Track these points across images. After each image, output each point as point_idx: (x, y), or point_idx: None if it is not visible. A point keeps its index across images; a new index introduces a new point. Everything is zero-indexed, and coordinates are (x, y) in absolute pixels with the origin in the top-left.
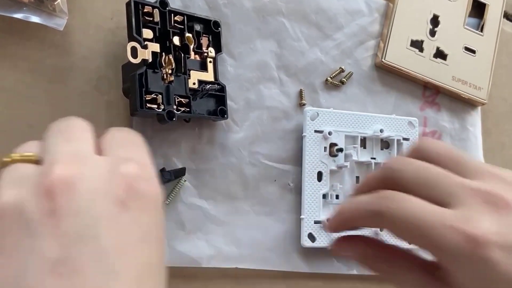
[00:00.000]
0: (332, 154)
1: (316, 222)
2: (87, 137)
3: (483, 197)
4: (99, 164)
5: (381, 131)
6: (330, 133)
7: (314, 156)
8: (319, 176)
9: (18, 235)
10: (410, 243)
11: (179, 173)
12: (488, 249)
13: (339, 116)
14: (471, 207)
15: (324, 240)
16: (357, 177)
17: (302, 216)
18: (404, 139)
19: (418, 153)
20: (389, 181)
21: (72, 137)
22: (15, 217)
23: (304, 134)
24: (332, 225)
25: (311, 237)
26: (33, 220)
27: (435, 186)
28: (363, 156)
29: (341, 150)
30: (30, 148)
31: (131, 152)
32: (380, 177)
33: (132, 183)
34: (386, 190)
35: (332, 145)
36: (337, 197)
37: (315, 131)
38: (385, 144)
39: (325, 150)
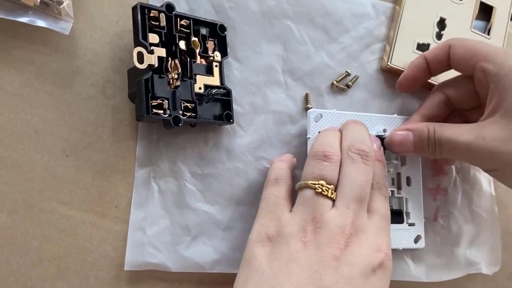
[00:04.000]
0: None
1: None
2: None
3: None
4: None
5: (384, 131)
6: None
7: None
8: None
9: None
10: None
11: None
12: None
13: (343, 117)
14: None
15: None
16: None
17: None
18: None
19: None
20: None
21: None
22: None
23: (308, 136)
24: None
25: None
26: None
27: None
28: None
29: None
30: (327, 170)
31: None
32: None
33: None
34: None
35: None
36: None
37: (319, 132)
38: None
39: None
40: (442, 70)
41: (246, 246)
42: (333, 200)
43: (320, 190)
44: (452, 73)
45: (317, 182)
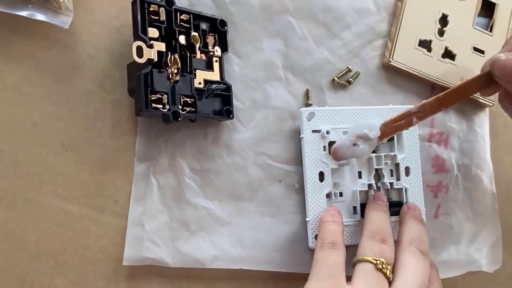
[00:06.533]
0: None
1: None
2: None
3: None
4: None
5: None
6: (328, 132)
7: (314, 157)
8: (321, 176)
9: None
10: None
11: None
12: None
13: (336, 113)
14: None
15: None
16: (359, 172)
17: (307, 219)
18: None
19: None
20: None
21: None
22: None
23: (302, 135)
24: None
25: None
26: None
27: None
28: None
29: None
30: (386, 252)
31: None
32: None
33: None
34: None
35: (331, 143)
36: (340, 194)
37: (313, 131)
38: None
39: (324, 150)
40: None
41: None
42: (389, 282)
43: (380, 266)
44: None
45: (377, 258)
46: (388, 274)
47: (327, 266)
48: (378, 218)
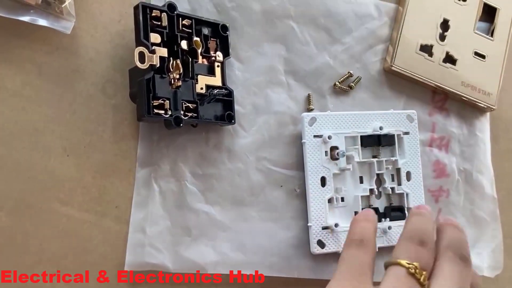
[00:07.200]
0: (334, 158)
1: (324, 228)
2: None
3: None
4: None
5: (381, 128)
6: (329, 137)
7: (316, 162)
8: (323, 181)
9: None
10: None
11: None
12: None
13: (337, 118)
14: None
15: (333, 245)
16: (361, 177)
17: (309, 224)
18: (405, 133)
19: None
20: None
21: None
22: None
23: (303, 140)
24: None
25: (320, 243)
26: None
27: None
28: (365, 155)
29: (343, 154)
30: (422, 256)
31: None
32: None
33: None
34: None
35: (333, 148)
36: (342, 199)
37: (314, 136)
38: (386, 140)
39: (326, 155)
40: None
41: None
42: None
43: (413, 271)
44: None
45: (411, 262)
46: (421, 280)
47: (351, 266)
48: (421, 219)
